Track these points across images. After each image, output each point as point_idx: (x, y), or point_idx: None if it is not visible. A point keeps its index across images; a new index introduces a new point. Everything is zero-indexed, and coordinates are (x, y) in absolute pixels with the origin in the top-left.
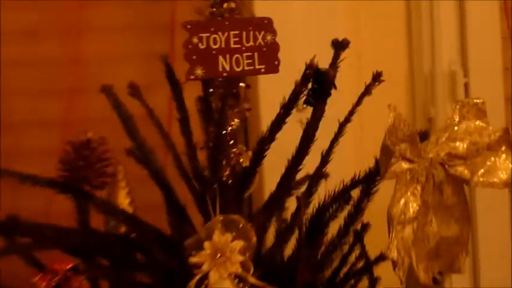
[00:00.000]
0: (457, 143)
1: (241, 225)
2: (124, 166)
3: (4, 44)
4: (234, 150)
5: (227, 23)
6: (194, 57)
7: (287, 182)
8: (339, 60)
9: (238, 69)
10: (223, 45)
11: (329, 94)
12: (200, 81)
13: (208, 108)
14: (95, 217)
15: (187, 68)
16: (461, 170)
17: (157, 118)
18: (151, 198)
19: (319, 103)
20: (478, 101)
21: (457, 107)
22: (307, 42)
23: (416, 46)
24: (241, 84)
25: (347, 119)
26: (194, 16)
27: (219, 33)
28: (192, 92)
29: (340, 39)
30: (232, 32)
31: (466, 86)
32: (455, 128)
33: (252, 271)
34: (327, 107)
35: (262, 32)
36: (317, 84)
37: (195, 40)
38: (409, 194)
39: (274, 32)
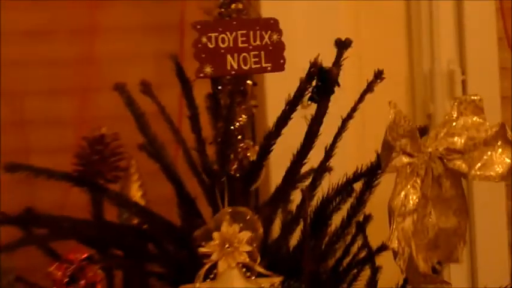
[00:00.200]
0: (455, 138)
1: (248, 217)
2: (136, 161)
3: (19, 44)
4: (242, 145)
5: (235, 23)
6: (203, 56)
7: (292, 176)
8: (341, 59)
9: (245, 68)
10: (231, 45)
11: (332, 91)
12: (209, 79)
13: (217, 105)
14: (109, 209)
15: (197, 66)
16: (459, 164)
17: (168, 115)
18: (162, 191)
19: (323, 100)
20: (475, 98)
21: (455, 103)
22: (312, 41)
23: (416, 46)
24: (248, 81)
25: (349, 116)
26: (203, 16)
27: (227, 33)
28: (201, 90)
29: (343, 39)
30: (239, 32)
31: (464, 83)
32: (454, 123)
33: (258, 260)
34: (330, 104)
35: (269, 32)
36: (321, 82)
37: (204, 39)
38: (409, 187)
39: (280, 32)
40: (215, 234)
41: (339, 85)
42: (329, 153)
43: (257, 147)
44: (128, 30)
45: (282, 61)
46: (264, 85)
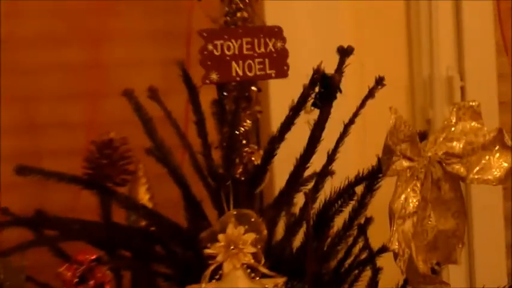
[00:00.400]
0: (454, 143)
1: (253, 219)
2: (144, 164)
3: (31, 51)
4: (247, 149)
5: (240, 31)
6: (209, 63)
7: (296, 179)
8: (343, 66)
9: (250, 74)
10: (236, 52)
11: (335, 97)
12: (215, 85)
13: (222, 110)
14: (117, 212)
15: (203, 73)
16: (458, 168)
17: (174, 120)
18: (169, 194)
19: (326, 106)
20: (473, 103)
21: (454, 109)
22: (314, 49)
23: (415, 53)
24: (253, 88)
25: (351, 121)
26: (209, 24)
27: (233, 40)
28: (207, 96)
29: (345, 47)
30: (244, 40)
31: (462, 90)
32: (452, 128)
33: (263, 262)
34: (332, 110)
35: (273, 40)
36: (323, 88)
37: (210, 47)
38: (409, 190)
39: (283, 40)
40: (220, 236)
41: (341, 91)
42: (331, 157)
43: (261, 152)
44: (136, 37)
45: (285, 68)
46: (268, 91)
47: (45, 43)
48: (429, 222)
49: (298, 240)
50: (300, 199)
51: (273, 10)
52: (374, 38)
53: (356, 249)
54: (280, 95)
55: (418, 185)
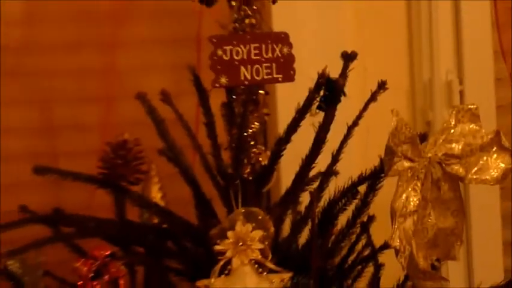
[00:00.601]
0: (453, 144)
1: (260, 217)
2: (156, 164)
3: (49, 56)
4: (254, 150)
5: (248, 37)
6: (219, 67)
7: (301, 179)
8: (347, 71)
9: (258, 78)
10: (244, 57)
11: (339, 101)
12: (224, 89)
13: (231, 113)
14: (131, 210)
15: (213, 77)
16: (457, 169)
17: (186, 122)
18: (180, 193)
19: (330, 108)
20: (472, 106)
21: (453, 112)
22: (320, 54)
23: (416, 58)
24: (260, 91)
25: (355, 123)
26: (219, 31)
27: (241, 46)
28: (217, 99)
29: (349, 52)
30: (252, 45)
31: (461, 93)
32: (452, 130)
33: (270, 257)
34: (336, 112)
35: (280, 45)
36: (328, 92)
37: (220, 52)
38: (410, 189)
39: (290, 45)
40: (229, 233)
41: (345, 95)
42: (335, 158)
43: (269, 153)
44: (149, 43)
45: (292, 72)
46: (276, 95)
47: (62, 49)
48: (429, 221)
49: (303, 237)
50: (305, 198)
51: (280, 17)
52: (376, 43)
53: (359, 246)
54: (287, 98)
55: (419, 184)
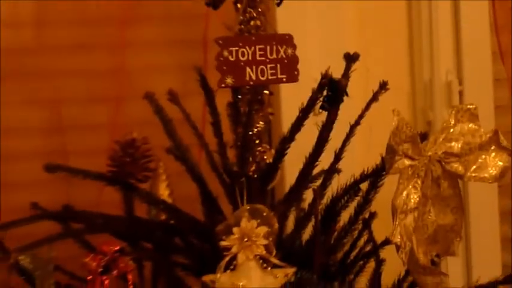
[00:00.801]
0: (453, 143)
1: (265, 214)
2: (164, 162)
3: (60, 57)
4: (259, 148)
5: (253, 38)
6: (225, 68)
7: (305, 177)
8: (350, 71)
9: (263, 79)
10: (250, 58)
11: (341, 100)
12: (230, 89)
13: (237, 112)
14: (139, 206)
15: (219, 77)
16: (456, 167)
17: (192, 121)
18: (187, 190)
19: (333, 108)
20: (471, 106)
21: (453, 111)
22: (323, 55)
23: (417, 59)
24: (265, 91)
25: (357, 122)
26: (225, 32)
27: (247, 47)
28: (223, 98)
29: (351, 53)
30: (258, 46)
31: (461, 94)
32: (451, 130)
33: (274, 253)
34: (339, 112)
35: (284, 47)
36: (331, 92)
37: (226, 53)
38: (410, 187)
39: (294, 47)
40: (235, 229)
41: (347, 95)
42: (338, 156)
43: (273, 151)
44: (157, 45)
45: (296, 73)
46: (280, 95)
47: (72, 50)
48: (429, 217)
49: (307, 233)
50: (308, 195)
51: (284, 19)
52: (378, 45)
53: (361, 242)
54: (291, 98)
55: (419, 182)
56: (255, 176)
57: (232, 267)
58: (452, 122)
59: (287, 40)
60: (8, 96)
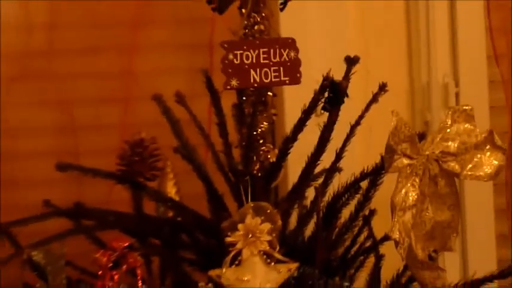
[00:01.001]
0: (449, 143)
1: (268, 211)
2: (171, 161)
3: (71, 59)
4: (263, 148)
5: (257, 42)
6: (230, 70)
7: (307, 175)
8: (350, 74)
9: (266, 81)
10: (254, 61)
11: (342, 102)
12: (235, 91)
13: (241, 113)
14: (148, 204)
15: (224, 79)
16: (453, 165)
17: (199, 122)
18: (194, 188)
19: (334, 109)
20: (467, 107)
21: (449, 112)
22: (324, 58)
23: (415, 62)
24: (269, 93)
25: (357, 123)
26: (230, 36)
27: (251, 50)
28: (228, 100)
29: (352, 56)
30: (261, 50)
31: (457, 95)
32: (448, 130)
33: (277, 249)
34: (340, 113)
35: (287, 50)
36: (332, 94)
37: (231, 56)
38: (409, 185)
39: (296, 50)
40: (240, 226)
41: (348, 96)
42: (339, 155)
43: (276, 150)
44: (165, 48)
45: (298, 75)
46: (283, 96)
47: (83, 53)
48: (427, 214)
49: (309, 229)
50: (311, 193)
51: (287, 24)
52: (378, 49)
53: (361, 238)
54: (294, 100)
55: (417, 180)
56: (259, 174)
57: (237, 262)
58: (449, 123)
59: (290, 44)
60: (21, 97)
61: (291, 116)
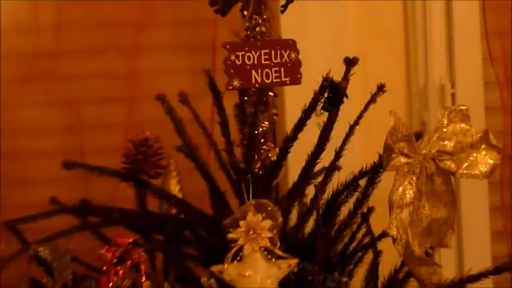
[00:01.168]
0: (446, 142)
1: (269, 208)
2: (175, 160)
3: (77, 60)
4: (264, 147)
5: (259, 43)
6: (232, 71)
7: (307, 173)
8: (349, 75)
9: (267, 81)
10: (255, 62)
11: (342, 102)
12: (237, 91)
13: (243, 113)
14: (151, 201)
15: (226, 80)
16: (449, 164)
17: (201, 121)
18: (197, 186)
19: (334, 109)
20: (462, 108)
21: (446, 112)
22: (324, 60)
23: (413, 64)
24: (270, 93)
25: (356, 122)
26: (232, 38)
27: (252, 51)
28: (230, 100)
29: (351, 58)
30: (263, 51)
31: (453, 96)
32: (444, 129)
33: (278, 245)
34: (340, 113)
35: (288, 51)
36: (332, 94)
37: (233, 57)
38: (406, 183)
39: (297, 51)
40: (241, 223)
41: (347, 96)
42: (338, 154)
43: (277, 149)
44: (168, 49)
45: (299, 76)
46: (284, 96)
47: (89, 54)
48: (424, 211)
49: (309, 226)
50: (310, 191)
51: (288, 26)
52: (377, 51)
53: (359, 235)
54: (294, 100)
55: (414, 178)
56: (260, 172)
57: (238, 258)
58: (446, 122)
59: (290, 45)
60: (28, 97)
61: (291, 116)
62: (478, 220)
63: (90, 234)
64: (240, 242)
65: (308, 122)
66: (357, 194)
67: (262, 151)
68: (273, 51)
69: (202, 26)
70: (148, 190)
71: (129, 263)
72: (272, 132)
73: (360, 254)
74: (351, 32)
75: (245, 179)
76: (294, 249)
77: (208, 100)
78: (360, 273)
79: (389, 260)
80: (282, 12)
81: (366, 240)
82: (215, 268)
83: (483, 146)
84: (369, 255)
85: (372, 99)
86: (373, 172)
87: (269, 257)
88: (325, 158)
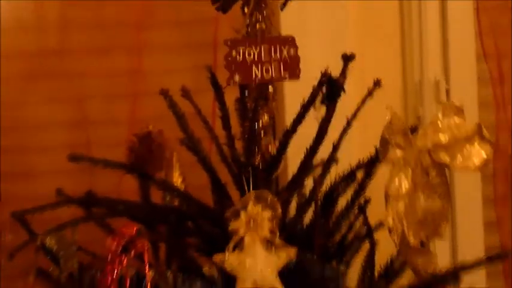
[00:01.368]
0: (440, 136)
1: (269, 199)
2: (177, 153)
3: (82, 59)
4: (264, 141)
5: (259, 40)
6: (233, 67)
7: (306, 166)
8: (347, 70)
9: (267, 77)
10: (256, 58)
11: (339, 97)
12: (237, 86)
13: (244, 107)
14: (155, 193)
15: (227, 75)
16: (444, 157)
17: (203, 116)
18: (199, 178)
19: (331, 104)
20: (457, 103)
21: (440, 107)
22: (322, 55)
23: (408, 60)
24: (270, 88)
25: (353, 116)
26: (233, 34)
27: (253, 48)
28: (231, 95)
29: (348, 54)
30: (263, 47)
31: (448, 92)
32: (439, 124)
33: (278, 235)
34: (337, 107)
35: (287, 47)
36: (330, 89)
37: (234, 53)
38: (402, 175)
39: (296, 47)
40: (242, 213)
41: (344, 91)
42: (336, 147)
43: (277, 143)
44: (171, 46)
45: (298, 71)
46: (283, 91)
47: (94, 52)
48: (419, 203)
49: (307, 217)
50: (309, 183)
51: (287, 23)
52: (373, 49)
53: (357, 226)
54: (293, 95)
55: (410, 171)
56: (261, 165)
57: (239, 248)
58: (440, 117)
59: (290, 41)
60: (36, 95)
61: (291, 110)
62: (471, 211)
63: (95, 225)
64: (241, 232)
65: (307, 117)
66: (354, 186)
67: (263, 145)
68: (272, 48)
69: (204, 24)
70: (152, 182)
71: (133, 252)
72: (272, 126)
73: (357, 244)
74: (350, 29)
75: (246, 171)
76: (293, 240)
77: (210, 95)
78: (357, 262)
79: (386, 250)
80: (282, 9)
81: (363, 231)
82: (217, 258)
83: (476, 140)
84: (366, 245)
85: (369, 94)
86: (370, 165)
87: (269, 246)
88: (324, 151)
